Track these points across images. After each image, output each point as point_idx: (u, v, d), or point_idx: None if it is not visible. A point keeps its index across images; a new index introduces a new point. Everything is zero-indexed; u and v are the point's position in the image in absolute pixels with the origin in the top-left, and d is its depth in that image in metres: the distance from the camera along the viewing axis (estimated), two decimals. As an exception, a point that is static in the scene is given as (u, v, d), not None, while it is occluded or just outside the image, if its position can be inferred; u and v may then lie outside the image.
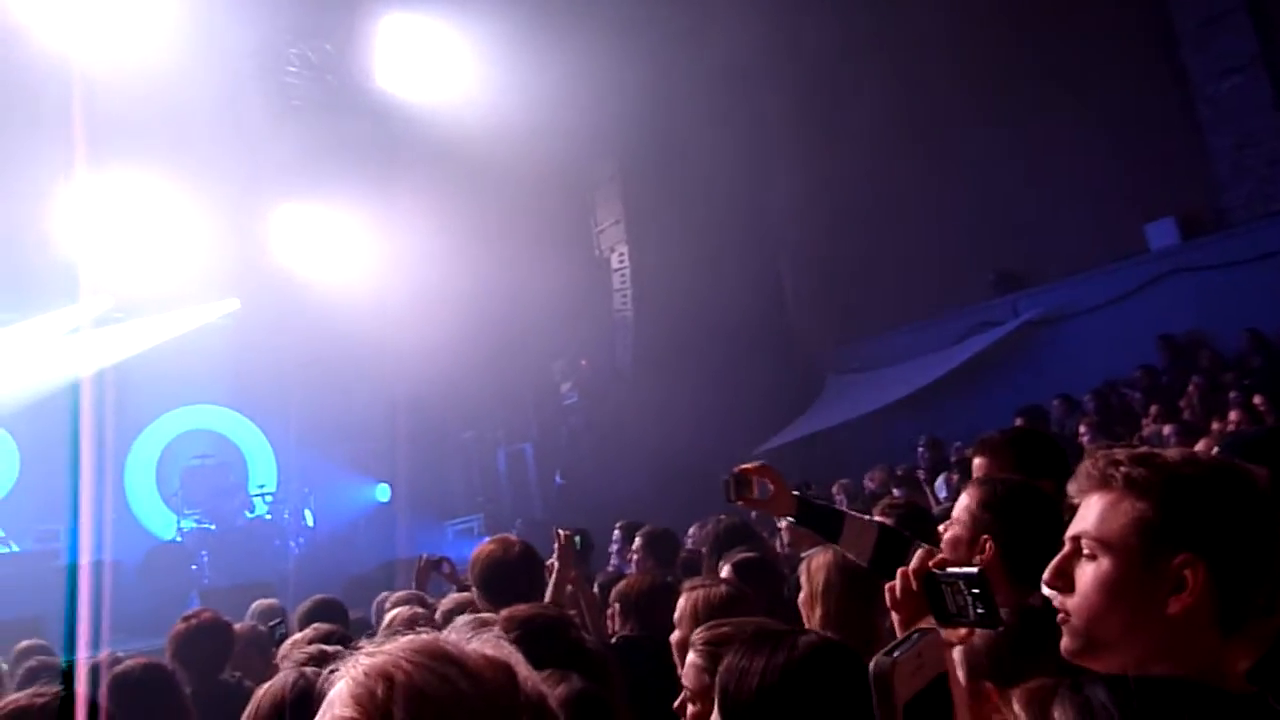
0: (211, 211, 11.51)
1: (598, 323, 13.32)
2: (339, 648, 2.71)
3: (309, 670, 2.13)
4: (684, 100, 11.56)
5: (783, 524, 4.45)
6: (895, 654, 1.12)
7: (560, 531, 3.64)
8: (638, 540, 4.83)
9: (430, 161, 11.84)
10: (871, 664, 1.12)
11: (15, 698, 2.05)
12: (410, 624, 3.71)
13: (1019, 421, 7.57)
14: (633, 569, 4.87)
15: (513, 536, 3.34)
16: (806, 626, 2.48)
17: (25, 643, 4.82)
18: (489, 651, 0.86)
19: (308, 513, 12.28)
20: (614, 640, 3.24)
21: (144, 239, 11.48)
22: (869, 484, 8.01)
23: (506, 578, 3.07)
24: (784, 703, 1.48)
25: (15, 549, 10.50)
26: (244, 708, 2.10)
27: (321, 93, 11.80)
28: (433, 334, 11.99)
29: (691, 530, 6.19)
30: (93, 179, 10.40)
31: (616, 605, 3.30)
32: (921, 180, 11.42)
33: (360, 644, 0.87)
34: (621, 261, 13.15)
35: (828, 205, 12.48)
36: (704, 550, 4.60)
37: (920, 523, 3.01)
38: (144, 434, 12.28)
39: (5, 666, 4.22)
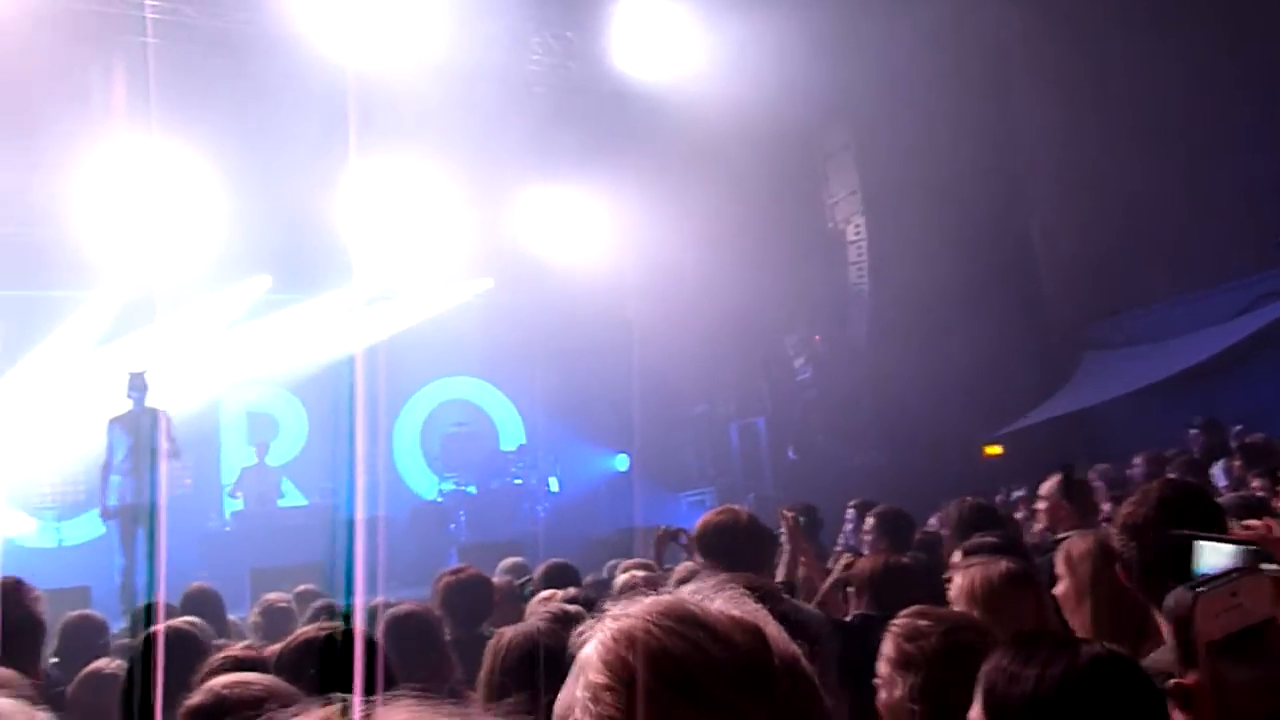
0: (468, 196, 12.34)
1: (831, 296, 13.06)
2: (580, 608, 2.87)
3: (548, 626, 2.26)
4: (920, 59, 11.02)
5: (1040, 505, 4.19)
6: (1200, 589, 1.02)
7: (786, 513, 3.66)
8: (870, 520, 4.73)
9: (666, 139, 12.05)
10: (1170, 596, 1.03)
11: (305, 630, 2.31)
12: (634, 589, 3.85)
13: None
14: (867, 549, 4.78)
15: (739, 507, 3.37)
16: (1068, 620, 2.34)
17: (302, 587, 5.50)
18: (735, 612, 0.84)
19: (553, 479, 12.96)
20: (849, 619, 3.21)
21: (410, 224, 12.52)
22: (1133, 471, 7.36)
23: (732, 546, 3.10)
24: (1056, 715, 1.40)
25: (305, 502, 11.83)
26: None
27: (563, 79, 12.30)
28: (668, 309, 12.27)
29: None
30: (366, 168, 11.46)
31: (850, 585, 3.26)
32: (1198, 131, 10.25)
33: (605, 605, 0.88)
34: (858, 233, 12.78)
35: (1086, 163, 11.50)
36: (946, 532, 4.43)
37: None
38: (410, 402, 13.40)
39: (294, 605, 4.81)
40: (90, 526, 10.62)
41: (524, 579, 4.34)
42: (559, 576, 3.94)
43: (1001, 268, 12.32)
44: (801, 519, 3.77)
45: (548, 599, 3.42)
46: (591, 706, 0.79)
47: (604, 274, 12.89)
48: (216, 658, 2.26)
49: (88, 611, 4.71)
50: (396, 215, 12.54)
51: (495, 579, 4.43)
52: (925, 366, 10.99)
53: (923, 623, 1.92)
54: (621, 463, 13.60)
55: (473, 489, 12.30)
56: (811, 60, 10.65)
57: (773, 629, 0.85)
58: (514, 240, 13.22)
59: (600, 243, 12.82)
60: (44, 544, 10.43)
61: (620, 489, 13.34)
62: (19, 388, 11.04)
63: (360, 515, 10.88)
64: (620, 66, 11.95)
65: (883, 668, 1.93)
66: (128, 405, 8.63)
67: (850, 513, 6.14)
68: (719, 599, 0.85)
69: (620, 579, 4.14)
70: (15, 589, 2.60)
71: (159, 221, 11.35)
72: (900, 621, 1.96)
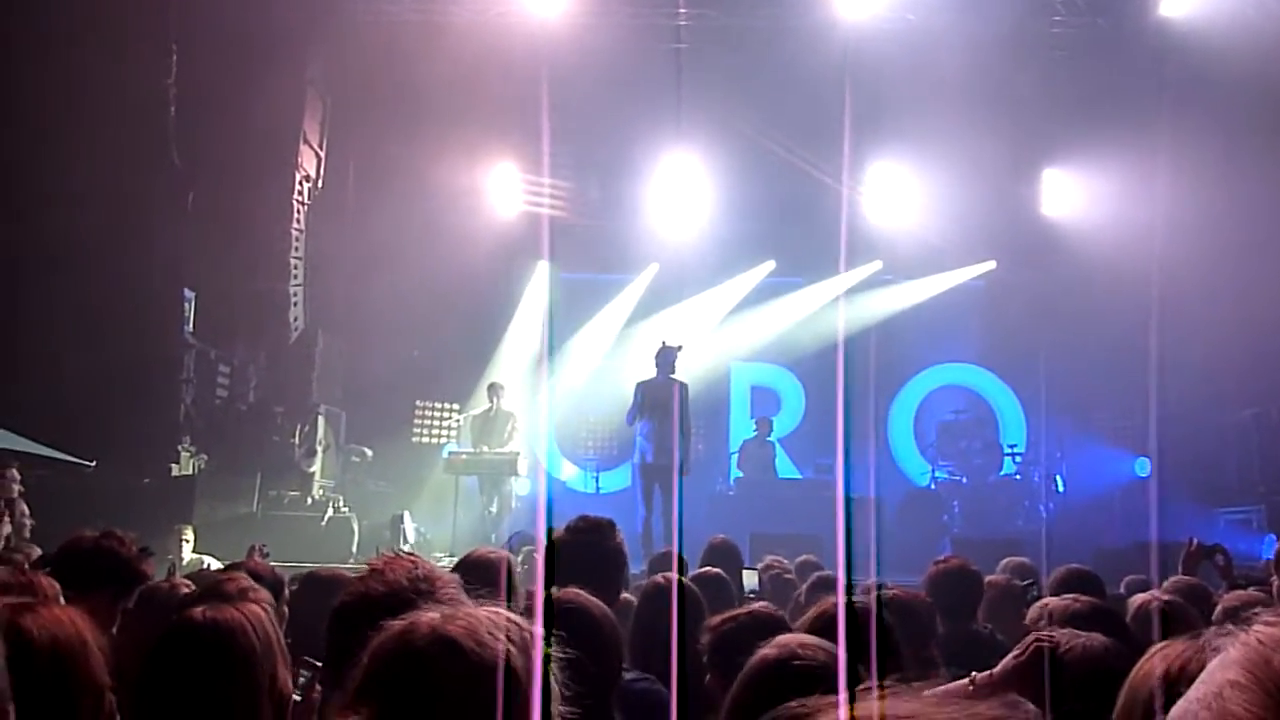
0: (974, 174, 11.83)
1: None
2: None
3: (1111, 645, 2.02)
4: None
5: None
6: None
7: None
8: None
9: (1215, 96, 10.38)
10: None
11: (829, 602, 2.36)
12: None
13: None
14: None
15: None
16: None
17: (804, 557, 5.71)
18: None
19: (1058, 478, 11.96)
20: None
21: (913, 204, 12.38)
22: None
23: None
24: None
25: (799, 476, 12.32)
26: (991, 656, 2.12)
27: (1091, 38, 11.18)
28: (1210, 294, 10.61)
29: None
30: (872, 152, 11.54)
31: None
32: None
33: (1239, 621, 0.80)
34: None
35: None
36: None
37: None
38: (907, 386, 13.26)
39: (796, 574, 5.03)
40: (621, 478, 12.20)
41: (1028, 581, 4.05)
42: (1077, 585, 3.58)
43: None
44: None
45: (1057, 605, 3.14)
46: (1214, 703, 0.74)
47: (1127, 253, 11.50)
48: (743, 611, 2.42)
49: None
50: (900, 196, 12.48)
51: (993, 576, 4.20)
52: None
53: None
54: (1141, 467, 12.09)
55: (964, 479, 11.84)
56: None
57: None
58: (1025, 218, 12.40)
59: (1125, 218, 11.44)
60: (585, 489, 12.21)
61: (1138, 497, 11.87)
62: (575, 356, 13.05)
63: (854, 494, 11.11)
64: (1167, 13, 10.50)
65: None
66: (654, 373, 9.67)
67: None
68: None
69: (1138, 598, 3.66)
70: (610, 527, 3.04)
71: (685, 212, 12.61)
72: None
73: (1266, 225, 10.22)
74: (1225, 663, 0.75)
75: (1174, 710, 0.79)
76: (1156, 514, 10.90)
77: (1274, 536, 9.33)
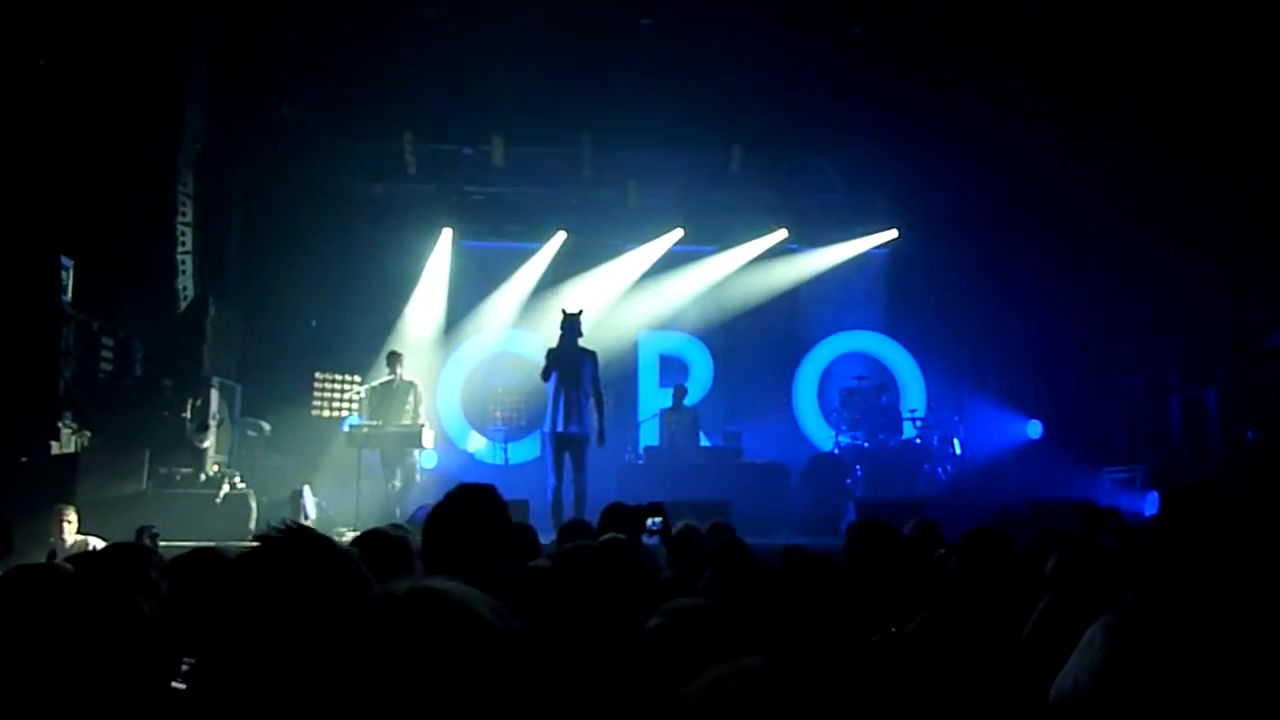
0: (874, 144, 12.00)
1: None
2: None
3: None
4: None
5: None
6: None
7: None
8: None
9: (1089, 68, 10.74)
10: None
11: (721, 565, 2.34)
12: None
13: None
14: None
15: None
16: None
17: (713, 521, 5.74)
18: None
19: (956, 441, 12.33)
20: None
21: (817, 174, 12.49)
22: None
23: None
24: None
25: (708, 444, 12.38)
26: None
27: (964, 7, 11.43)
28: (1101, 263, 11.02)
29: None
30: (779, 120, 11.55)
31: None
32: None
33: None
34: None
35: None
36: None
37: None
38: (811, 353, 13.45)
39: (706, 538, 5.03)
40: (530, 448, 12.08)
41: (941, 551, 4.12)
42: (988, 544, 3.64)
43: None
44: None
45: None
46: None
47: (1024, 221, 11.85)
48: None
49: (524, 522, 5.30)
50: (805, 165, 12.59)
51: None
52: None
53: None
54: (1033, 429, 12.57)
55: (867, 444, 12.10)
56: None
57: None
58: (918, 187, 12.66)
59: (1014, 187, 11.78)
60: (494, 460, 12.04)
61: (1030, 458, 12.35)
62: (481, 325, 12.82)
63: (761, 460, 11.24)
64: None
65: None
66: (562, 343, 9.49)
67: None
68: None
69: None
70: (489, 497, 2.87)
71: (593, 179, 12.46)
72: None
73: (1158, 192, 10.63)
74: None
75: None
76: (1048, 474, 11.37)
77: (1156, 494, 9.79)
